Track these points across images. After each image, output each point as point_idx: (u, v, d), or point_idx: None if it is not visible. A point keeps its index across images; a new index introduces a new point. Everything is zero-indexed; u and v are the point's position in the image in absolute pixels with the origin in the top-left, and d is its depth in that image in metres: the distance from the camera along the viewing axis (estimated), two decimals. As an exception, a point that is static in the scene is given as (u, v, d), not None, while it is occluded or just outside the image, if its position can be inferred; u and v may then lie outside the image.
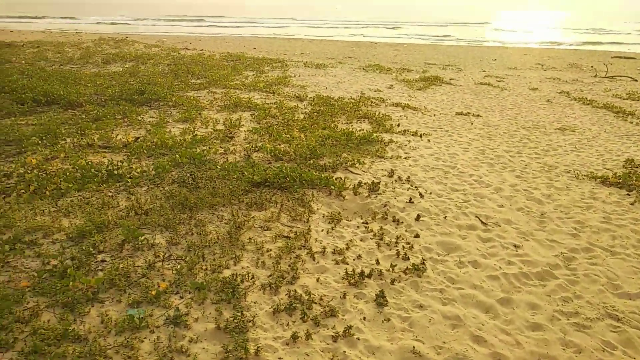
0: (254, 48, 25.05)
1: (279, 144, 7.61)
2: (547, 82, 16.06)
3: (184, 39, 29.96)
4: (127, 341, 3.01)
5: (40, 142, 7.21)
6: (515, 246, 4.74)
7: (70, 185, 5.45)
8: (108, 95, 10.90)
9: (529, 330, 3.52)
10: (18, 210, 4.73)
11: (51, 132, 7.68)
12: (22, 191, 5.28)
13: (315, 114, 10.02)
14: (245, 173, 5.94)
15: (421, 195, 5.83)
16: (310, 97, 11.86)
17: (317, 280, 3.93)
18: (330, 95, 12.20)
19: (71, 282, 3.43)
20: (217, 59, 19.11)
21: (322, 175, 6.00)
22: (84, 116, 9.06)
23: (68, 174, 5.76)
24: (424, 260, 4.35)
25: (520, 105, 12.16)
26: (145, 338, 3.09)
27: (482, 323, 3.55)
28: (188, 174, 5.88)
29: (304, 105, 11.06)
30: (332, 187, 5.77)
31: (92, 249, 3.95)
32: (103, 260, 3.88)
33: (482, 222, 5.25)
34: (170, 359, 2.95)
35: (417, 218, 5.18)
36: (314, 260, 4.23)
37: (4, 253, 3.80)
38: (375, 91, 13.32)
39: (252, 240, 4.45)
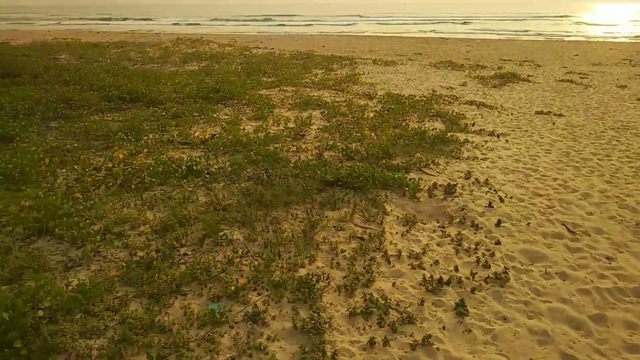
0: (323, 46, 25.17)
1: (350, 143, 7.56)
2: (637, 79, 14.79)
3: (255, 38, 30.72)
4: (209, 335, 3.09)
5: (125, 137, 7.64)
6: (608, 258, 4.38)
7: (153, 180, 5.72)
8: (186, 93, 11.37)
9: (626, 351, 3.22)
10: (107, 203, 5.02)
11: (135, 128, 8.12)
12: (111, 184, 5.62)
13: (386, 112, 9.87)
14: (318, 172, 5.94)
15: (501, 200, 5.55)
16: (380, 95, 11.71)
17: (393, 284, 3.84)
18: (400, 93, 11.98)
19: (156, 274, 3.58)
20: (287, 57, 19.39)
21: (395, 176, 5.87)
22: (164, 113, 9.51)
23: (151, 168, 6.04)
24: (506, 269, 4.13)
25: (607, 104, 11.28)
26: (225, 333, 3.16)
27: (573, 341, 3.30)
28: (263, 171, 5.97)
29: (374, 103, 10.93)
30: (406, 188, 5.64)
31: (175, 243, 4.10)
32: (185, 254, 4.02)
33: (569, 230, 4.90)
34: (249, 356, 2.99)
35: (498, 224, 4.93)
36: (389, 263, 4.14)
37: (95, 243, 4.03)
38: (447, 89, 12.91)
39: (326, 240, 4.43)
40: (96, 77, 12.43)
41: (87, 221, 4.44)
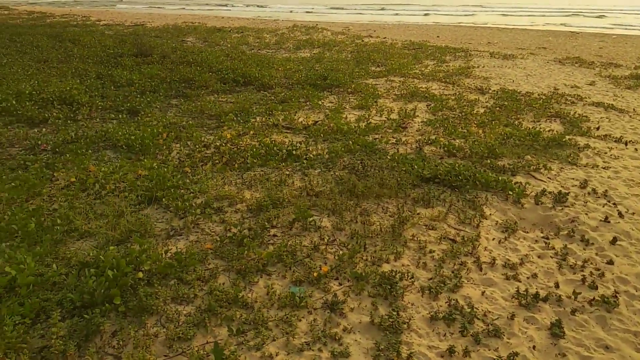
0: (437, 36, 24.29)
1: (454, 139, 7.22)
2: None
3: (369, 27, 30.55)
4: (287, 317, 3.16)
5: (235, 118, 8.06)
6: None
7: (255, 161, 5.97)
8: (295, 79, 11.68)
9: None
10: (211, 179, 5.34)
11: (245, 110, 8.53)
12: (217, 161, 5.97)
13: (498, 108, 9.26)
14: (415, 166, 5.76)
15: (620, 215, 4.94)
16: (494, 90, 11.01)
17: (482, 293, 3.61)
18: (516, 89, 11.16)
19: (246, 251, 3.74)
20: (398, 47, 19.02)
21: (500, 178, 5.49)
22: (272, 98, 9.87)
23: (254, 150, 6.31)
24: (616, 292, 3.67)
25: None
26: (303, 317, 3.21)
27: (693, 387, 2.85)
28: (359, 162, 5.95)
29: (486, 98, 10.31)
30: (510, 192, 5.25)
31: (266, 223, 4.25)
32: (274, 235, 4.15)
33: None
34: (323, 344, 3.01)
35: (613, 241, 4.39)
36: (480, 270, 3.90)
37: (196, 216, 4.32)
38: (571, 87, 11.75)
39: (415, 238, 4.29)
40: (216, 60, 13.25)
41: (191, 194, 4.77)
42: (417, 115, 8.66)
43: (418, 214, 4.70)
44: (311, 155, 6.28)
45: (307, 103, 9.56)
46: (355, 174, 5.55)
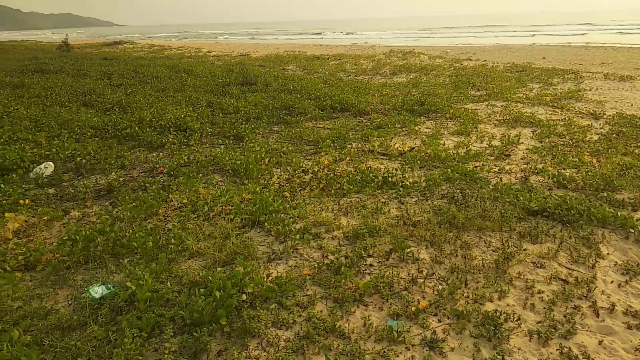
0: (543, 58, 23.01)
1: (564, 169, 6.72)
2: None
3: (468, 50, 29.82)
4: (384, 351, 3.10)
5: (332, 144, 8.24)
6: None
7: (351, 187, 6.03)
8: (391, 104, 11.70)
9: None
10: (309, 204, 5.48)
11: (341, 136, 8.69)
12: (314, 187, 6.12)
13: (614, 135, 8.48)
14: (521, 198, 5.44)
15: None
16: (609, 115, 10.12)
17: (600, 343, 3.27)
18: (636, 114, 10.16)
19: (343, 280, 3.76)
20: (500, 70, 18.31)
21: (619, 213, 4.99)
22: (369, 124, 9.95)
23: (350, 176, 6.39)
24: None
25: None
26: (400, 353, 3.13)
27: None
28: (458, 191, 5.75)
29: (600, 124, 9.51)
30: (632, 230, 4.74)
31: (363, 252, 4.25)
32: (371, 265, 4.13)
33: None
34: (421, 383, 2.91)
35: None
36: (597, 316, 3.54)
37: (295, 241, 4.44)
38: None
39: (522, 276, 4.02)
40: (314, 87, 13.72)
41: (291, 219, 4.92)
42: (522, 142, 8.22)
43: (525, 250, 4.41)
44: (408, 183, 6.21)
45: (404, 129, 9.51)
46: (454, 204, 5.37)
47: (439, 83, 15.34)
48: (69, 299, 3.65)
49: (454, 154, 7.46)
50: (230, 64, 22.89)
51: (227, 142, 8.48)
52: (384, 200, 5.69)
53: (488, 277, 3.97)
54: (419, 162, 7.23)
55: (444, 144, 8.21)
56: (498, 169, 6.81)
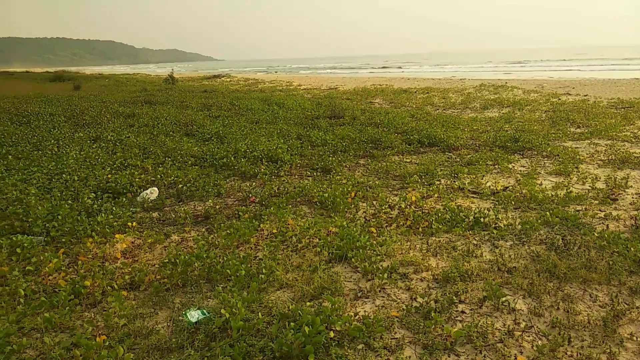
0: (655, 92, 21.12)
1: (684, 218, 6.04)
2: None
3: (566, 84, 28.22)
4: (477, 407, 2.92)
5: (419, 180, 8.12)
6: None
7: (440, 226, 5.87)
8: (482, 140, 11.33)
9: None
10: (396, 241, 5.40)
11: (429, 172, 8.54)
12: (401, 223, 6.04)
13: None
14: (631, 248, 4.94)
15: None
16: None
17: None
18: None
19: (432, 325, 3.63)
20: (603, 105, 17.07)
21: None
22: (458, 159, 9.70)
23: (439, 214, 6.22)
24: None
25: None
26: (495, 411, 2.93)
27: None
28: (559, 237, 5.37)
29: None
30: None
31: (454, 297, 4.08)
32: (463, 312, 3.95)
33: None
34: None
35: None
36: None
37: (382, 279, 4.39)
38: None
39: (635, 338, 3.62)
40: (401, 121, 13.70)
41: (378, 257, 4.88)
42: (630, 186, 7.53)
43: (638, 308, 3.99)
44: (501, 225, 5.92)
45: (496, 166, 9.14)
46: (555, 251, 5.02)
47: (535, 119, 14.63)
48: (168, 320, 3.88)
49: (552, 195, 7.01)
50: (319, 97, 23.61)
51: (315, 174, 8.68)
52: (475, 242, 5.46)
53: (595, 335, 3.62)
54: (513, 202, 6.88)
55: (540, 184, 7.76)
56: (604, 215, 6.27)
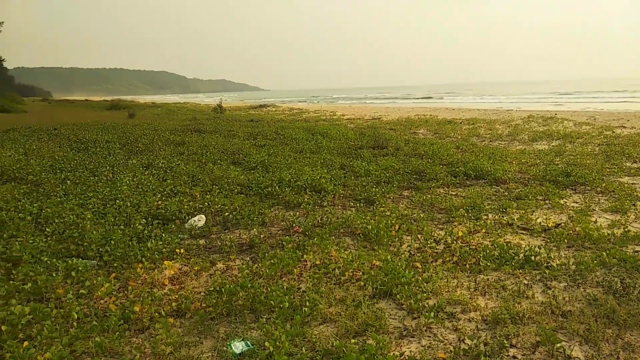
0: None
1: None
2: None
3: (619, 116, 27.12)
4: None
5: (466, 214, 7.93)
6: None
7: (488, 264, 5.68)
8: (531, 174, 11.00)
9: None
10: (442, 278, 5.27)
11: (476, 206, 8.33)
12: (447, 259, 5.89)
13: None
14: (701, 295, 4.61)
15: None
16: None
17: None
18: None
19: (483, 370, 3.48)
20: (663, 139, 16.25)
21: None
22: (506, 193, 9.43)
23: (487, 251, 6.03)
24: None
25: None
26: None
27: None
28: (617, 279, 5.08)
29: None
30: None
31: (504, 341, 3.91)
32: (514, 357, 3.76)
33: None
34: None
35: None
36: None
37: (429, 318, 4.26)
38: None
39: None
40: (446, 152, 13.53)
41: (424, 294, 4.76)
42: (697, 227, 7.07)
43: None
44: (554, 264, 5.66)
45: (546, 201, 8.82)
46: (613, 294, 4.74)
47: (587, 152, 14.08)
48: (212, 350, 3.92)
49: (608, 234, 6.67)
50: (362, 127, 23.74)
51: (358, 205, 8.65)
52: (526, 282, 5.24)
53: (661, 390, 3.37)
54: (566, 240, 6.58)
55: (595, 222, 7.41)
56: (666, 257, 5.89)
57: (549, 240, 6.65)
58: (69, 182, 9.58)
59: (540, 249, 6.06)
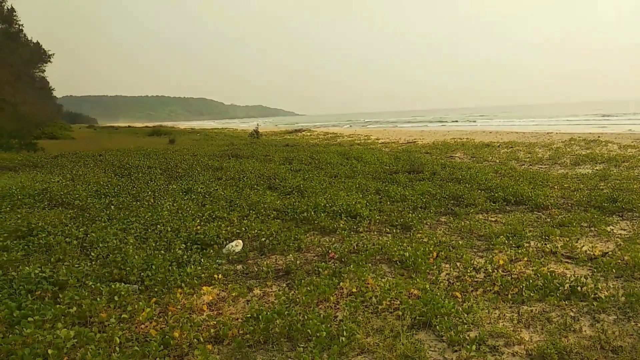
0: None
1: None
2: None
3: (669, 137, 25.97)
4: None
5: (506, 241, 7.71)
6: None
7: (531, 294, 5.48)
8: (575, 199, 10.62)
9: None
10: (483, 309, 5.11)
11: (517, 232, 8.09)
12: (488, 289, 5.72)
13: None
14: None
15: None
16: None
17: None
18: None
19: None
20: None
21: None
22: (548, 220, 9.13)
23: (530, 280, 5.83)
24: None
25: None
26: None
27: None
28: (673, 314, 4.79)
29: None
30: None
31: (552, 377, 3.74)
32: (562, 395, 3.59)
33: None
34: None
35: None
36: None
37: (470, 352, 4.13)
38: None
39: None
40: (484, 177, 13.27)
41: (465, 325, 4.63)
42: None
43: None
44: (602, 296, 5.40)
45: (592, 229, 8.48)
46: (669, 330, 4.48)
47: (634, 177, 13.50)
48: (250, 378, 3.91)
49: (661, 264, 6.33)
50: (397, 151, 23.65)
51: (394, 231, 8.56)
52: (573, 314, 5.02)
53: None
54: (614, 270, 6.29)
55: (646, 251, 7.05)
56: None
57: (595, 270, 6.36)
58: (113, 207, 9.93)
59: (586, 279, 5.80)
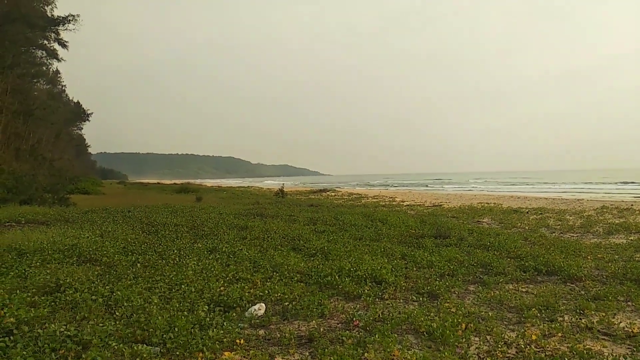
0: None
1: None
2: None
3: None
4: None
5: (538, 314, 7.39)
6: None
7: (568, 375, 5.18)
8: (610, 271, 10.21)
9: None
10: (516, 388, 4.83)
11: (550, 305, 7.77)
12: (522, 366, 5.44)
13: None
14: None
15: None
16: None
17: None
18: None
19: None
20: None
21: None
22: (582, 292, 8.76)
23: (566, 358, 5.53)
24: None
25: None
26: None
27: None
28: None
29: None
30: None
31: None
32: None
33: None
34: None
35: None
36: None
37: None
38: None
39: None
40: (513, 244, 12.95)
41: (497, 407, 4.38)
42: None
43: None
44: (645, 379, 5.06)
45: (629, 303, 8.08)
46: None
47: (673, 248, 12.97)
48: None
49: None
50: (422, 214, 23.43)
51: (420, 299, 8.33)
52: (614, 398, 4.70)
53: None
54: (657, 350, 5.92)
55: (689, 330, 6.64)
56: None
57: (635, 349, 6.01)
58: (139, 264, 10.02)
59: (625, 358, 5.48)
